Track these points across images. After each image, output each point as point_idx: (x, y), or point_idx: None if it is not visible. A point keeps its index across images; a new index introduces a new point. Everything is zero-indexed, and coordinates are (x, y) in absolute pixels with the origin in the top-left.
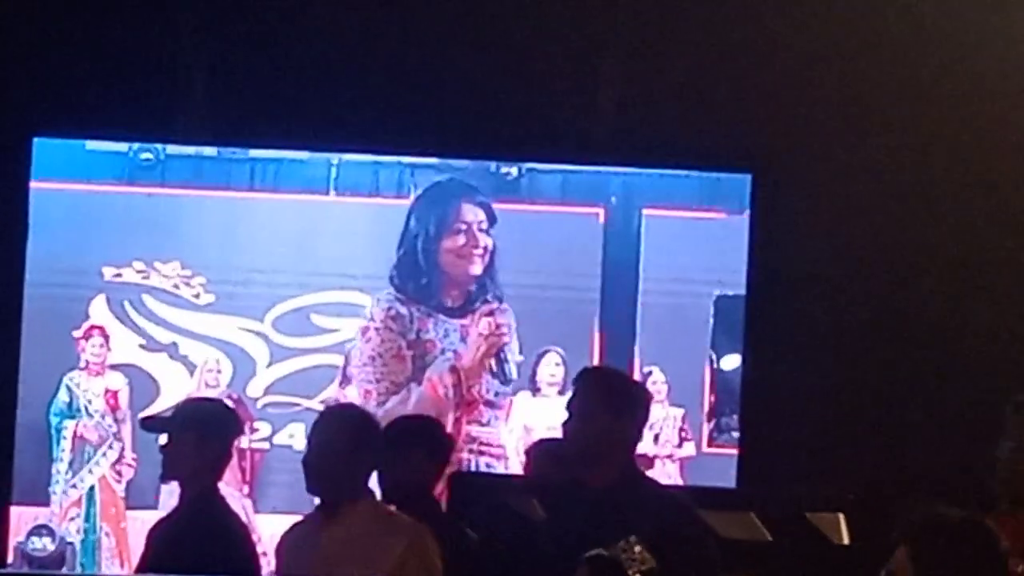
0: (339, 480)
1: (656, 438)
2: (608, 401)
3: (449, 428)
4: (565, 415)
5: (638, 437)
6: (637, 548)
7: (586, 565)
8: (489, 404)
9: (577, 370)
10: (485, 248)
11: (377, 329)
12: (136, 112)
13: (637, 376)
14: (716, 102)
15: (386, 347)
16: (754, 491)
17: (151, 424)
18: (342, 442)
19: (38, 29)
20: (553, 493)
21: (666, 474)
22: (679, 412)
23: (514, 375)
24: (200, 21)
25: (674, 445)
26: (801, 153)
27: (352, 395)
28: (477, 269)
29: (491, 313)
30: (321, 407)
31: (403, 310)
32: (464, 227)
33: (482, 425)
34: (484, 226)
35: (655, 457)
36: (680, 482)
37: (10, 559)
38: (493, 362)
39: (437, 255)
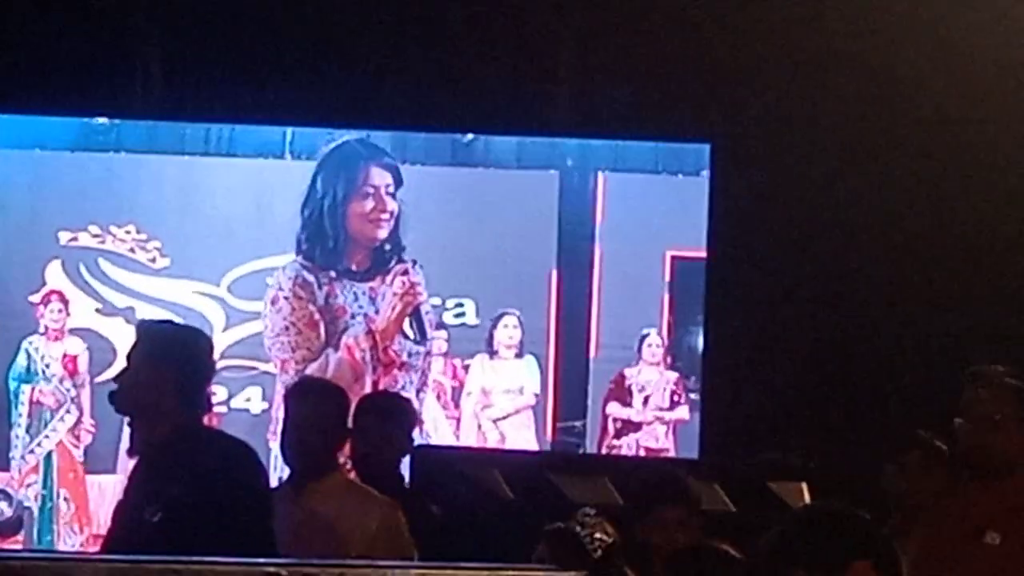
0: (316, 455)
1: (646, 400)
2: (153, 354)
3: (367, 391)
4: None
5: (189, 389)
6: (597, 522)
7: (545, 540)
8: (404, 367)
9: (534, 332)
10: (391, 212)
11: (287, 298)
12: (89, 88)
13: (635, 341)
14: (674, 75)
15: (297, 315)
16: (718, 461)
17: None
18: (319, 416)
19: None
20: None
21: (655, 437)
22: (673, 376)
23: (430, 334)
24: None
25: (664, 408)
26: (758, 123)
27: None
28: (383, 233)
29: (405, 272)
30: (276, 370)
31: (310, 277)
32: (372, 191)
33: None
34: (391, 189)
35: (641, 423)
36: (671, 445)
37: None
38: (407, 323)
39: (344, 218)
